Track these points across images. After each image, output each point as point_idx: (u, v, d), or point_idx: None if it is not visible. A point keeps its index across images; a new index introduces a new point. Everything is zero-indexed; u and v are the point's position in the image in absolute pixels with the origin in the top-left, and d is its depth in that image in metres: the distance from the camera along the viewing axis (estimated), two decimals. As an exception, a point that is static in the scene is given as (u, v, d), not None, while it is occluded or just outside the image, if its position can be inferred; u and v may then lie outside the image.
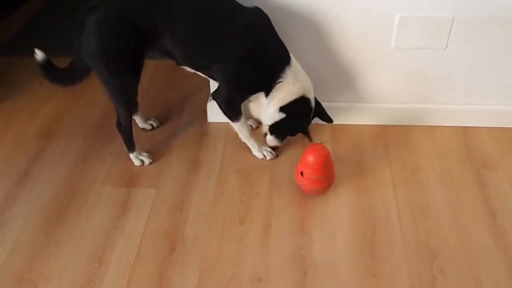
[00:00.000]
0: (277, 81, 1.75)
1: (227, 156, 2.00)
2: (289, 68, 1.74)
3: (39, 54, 1.79)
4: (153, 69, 2.52)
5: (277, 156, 1.99)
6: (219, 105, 1.84)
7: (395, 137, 2.09)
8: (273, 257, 1.63)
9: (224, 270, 1.59)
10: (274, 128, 1.91)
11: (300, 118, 1.87)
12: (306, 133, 1.95)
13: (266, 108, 1.84)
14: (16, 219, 1.79)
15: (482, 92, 2.05)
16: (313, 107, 1.86)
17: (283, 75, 1.75)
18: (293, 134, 1.98)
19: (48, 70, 1.84)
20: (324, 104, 1.92)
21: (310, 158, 1.75)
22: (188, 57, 1.79)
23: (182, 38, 1.73)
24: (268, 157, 1.98)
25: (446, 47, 1.90)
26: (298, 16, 1.87)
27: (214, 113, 1.93)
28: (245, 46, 1.70)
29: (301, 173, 1.78)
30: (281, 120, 1.85)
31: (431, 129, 2.12)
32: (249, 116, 2.08)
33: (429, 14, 1.83)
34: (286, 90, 1.77)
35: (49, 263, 1.64)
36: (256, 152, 1.99)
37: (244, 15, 1.71)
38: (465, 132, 2.10)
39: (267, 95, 1.80)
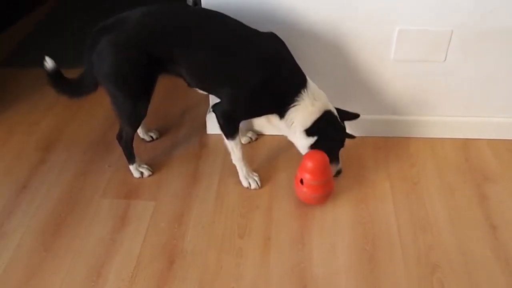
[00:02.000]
0: (292, 105, 1.73)
1: (227, 168, 1.99)
2: (306, 91, 1.72)
3: (49, 63, 1.78)
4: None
5: (260, 187, 1.93)
6: (217, 118, 1.82)
7: (395, 149, 2.08)
8: (272, 271, 1.62)
9: (223, 284, 1.58)
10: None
11: (333, 132, 1.81)
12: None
13: (294, 137, 1.82)
14: (15, 231, 1.78)
15: (482, 104, 2.05)
16: (337, 118, 1.81)
17: (298, 98, 1.72)
18: (338, 149, 1.88)
19: (56, 79, 1.83)
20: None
21: (309, 163, 1.75)
22: (201, 82, 1.79)
23: (197, 65, 1.72)
24: (252, 186, 1.91)
25: (445, 59, 1.91)
26: (297, 31, 1.88)
27: (214, 125, 1.92)
28: (260, 74, 1.68)
29: (301, 181, 1.77)
30: (316, 143, 1.79)
31: (431, 141, 2.11)
32: (250, 128, 2.07)
33: (428, 27, 1.83)
34: (304, 112, 1.74)
35: (47, 276, 1.63)
36: (242, 178, 1.92)
37: (259, 43, 1.71)
38: (465, 144, 2.09)
39: (281, 118, 1.77)
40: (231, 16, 1.73)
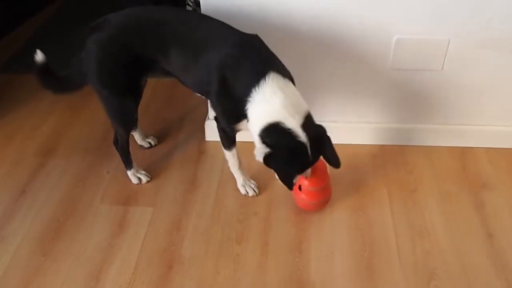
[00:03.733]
0: (246, 106, 1.55)
1: (225, 175, 2.00)
2: (257, 89, 1.51)
3: (39, 56, 1.77)
4: (152, 87, 2.53)
5: (258, 194, 1.92)
6: (217, 129, 1.81)
7: (393, 157, 2.09)
8: (270, 277, 1.62)
9: (220, 290, 1.59)
10: (273, 169, 1.61)
11: (288, 157, 1.55)
12: (328, 158, 1.66)
13: (254, 137, 1.60)
14: (13, 236, 1.78)
15: (479, 113, 2.06)
16: (300, 140, 1.52)
17: (251, 98, 1.53)
18: (292, 174, 1.62)
19: (45, 74, 1.82)
20: (321, 124, 1.64)
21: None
22: (187, 82, 1.79)
23: (174, 66, 1.72)
24: (250, 194, 1.91)
25: (443, 68, 1.92)
26: (295, 38, 1.89)
27: (212, 132, 1.93)
28: (219, 74, 1.58)
29: (299, 187, 1.78)
30: (268, 158, 1.55)
31: (429, 149, 2.12)
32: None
33: (426, 36, 1.85)
34: (255, 112, 1.55)
35: (46, 282, 1.63)
36: (239, 185, 1.93)
37: (225, 44, 1.60)
38: (463, 153, 2.10)
39: (248, 120, 1.60)
40: (231, 20, 1.73)
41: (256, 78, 1.53)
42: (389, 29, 1.85)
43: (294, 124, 1.51)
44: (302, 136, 1.52)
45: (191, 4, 3.11)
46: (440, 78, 1.95)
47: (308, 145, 1.53)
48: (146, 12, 1.77)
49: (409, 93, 2.02)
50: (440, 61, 1.90)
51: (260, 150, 1.55)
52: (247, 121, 1.59)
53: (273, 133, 1.53)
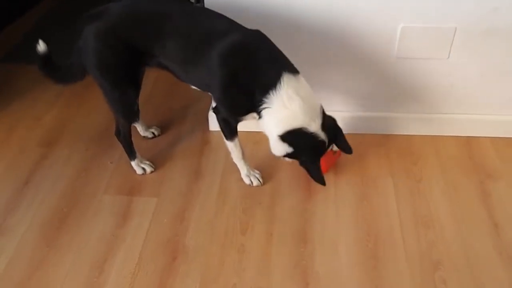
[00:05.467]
0: (262, 107, 1.63)
1: (229, 165, 1.99)
2: (274, 92, 1.60)
3: (41, 46, 1.77)
4: (155, 77, 2.52)
5: (263, 184, 1.92)
6: (217, 120, 1.81)
7: (398, 147, 2.08)
8: (274, 268, 1.62)
9: (225, 280, 1.59)
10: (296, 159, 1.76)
11: (306, 153, 1.73)
12: (341, 146, 1.82)
13: (269, 135, 1.71)
14: (17, 227, 1.78)
15: (485, 102, 2.05)
16: (321, 139, 1.68)
17: (267, 100, 1.61)
18: (318, 157, 1.76)
19: (46, 63, 1.82)
20: (327, 114, 1.75)
21: None
22: (184, 76, 1.78)
23: (173, 59, 1.71)
24: (254, 184, 1.91)
25: (449, 57, 1.90)
26: (301, 28, 1.87)
27: (216, 122, 1.92)
28: (226, 69, 1.62)
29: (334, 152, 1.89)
30: (291, 155, 1.71)
31: (434, 139, 2.11)
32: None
33: (431, 25, 1.83)
34: (275, 117, 1.64)
35: (50, 272, 1.63)
36: (244, 176, 1.92)
37: (230, 38, 1.62)
38: (468, 142, 2.09)
39: (259, 118, 1.68)
40: (235, 13, 1.72)
41: (272, 79, 1.61)
42: (394, 17, 1.82)
43: (316, 127, 1.66)
44: (322, 135, 1.69)
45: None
46: (446, 67, 1.93)
47: (327, 141, 1.71)
48: (147, 4, 1.74)
49: (415, 82, 2.00)
50: (446, 49, 1.88)
51: (282, 148, 1.69)
52: (259, 117, 1.67)
53: (297, 136, 1.66)
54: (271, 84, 1.61)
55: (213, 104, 1.81)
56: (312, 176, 1.78)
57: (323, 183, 1.77)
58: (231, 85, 1.64)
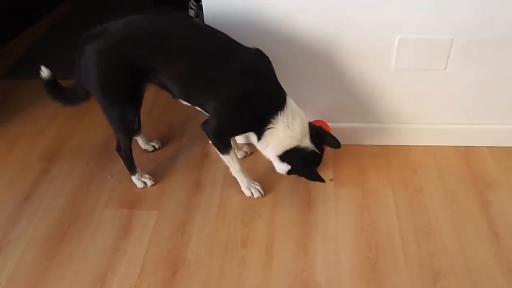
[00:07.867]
0: (267, 127, 1.71)
1: (229, 177, 1.99)
2: (282, 114, 1.69)
3: (45, 72, 1.81)
4: (155, 91, 2.52)
5: (264, 195, 1.93)
6: (208, 136, 1.81)
7: (397, 157, 2.09)
8: (275, 279, 1.62)
9: (226, 293, 1.59)
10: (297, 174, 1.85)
11: (304, 165, 1.81)
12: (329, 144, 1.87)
13: (271, 159, 1.81)
14: (18, 241, 1.79)
15: (483, 112, 2.06)
16: (312, 150, 1.78)
17: (274, 120, 1.69)
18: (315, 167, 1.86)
19: (53, 88, 1.86)
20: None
21: None
22: (184, 94, 1.78)
23: (179, 76, 1.72)
24: (255, 195, 1.91)
25: (446, 67, 1.92)
26: (297, 38, 1.89)
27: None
28: (240, 88, 1.66)
29: None
30: (291, 171, 1.81)
31: (433, 149, 2.12)
32: (247, 141, 2.07)
33: (428, 36, 1.84)
34: (277, 137, 1.73)
35: (51, 286, 1.63)
36: (244, 188, 1.92)
37: (242, 57, 1.68)
38: (467, 152, 2.10)
39: (259, 139, 1.75)
40: (231, 29, 1.74)
41: (280, 100, 1.70)
42: (391, 29, 1.84)
43: (307, 143, 1.77)
44: (312, 146, 1.78)
45: (193, 7, 3.12)
46: (443, 77, 1.95)
47: (316, 149, 1.79)
48: (148, 22, 1.73)
49: (413, 93, 2.01)
50: (443, 60, 1.90)
51: (282, 167, 1.80)
52: (259, 138, 1.75)
53: (293, 154, 1.75)
54: (279, 105, 1.69)
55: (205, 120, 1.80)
56: (309, 179, 1.84)
57: (322, 180, 1.79)
58: (243, 105, 1.68)
